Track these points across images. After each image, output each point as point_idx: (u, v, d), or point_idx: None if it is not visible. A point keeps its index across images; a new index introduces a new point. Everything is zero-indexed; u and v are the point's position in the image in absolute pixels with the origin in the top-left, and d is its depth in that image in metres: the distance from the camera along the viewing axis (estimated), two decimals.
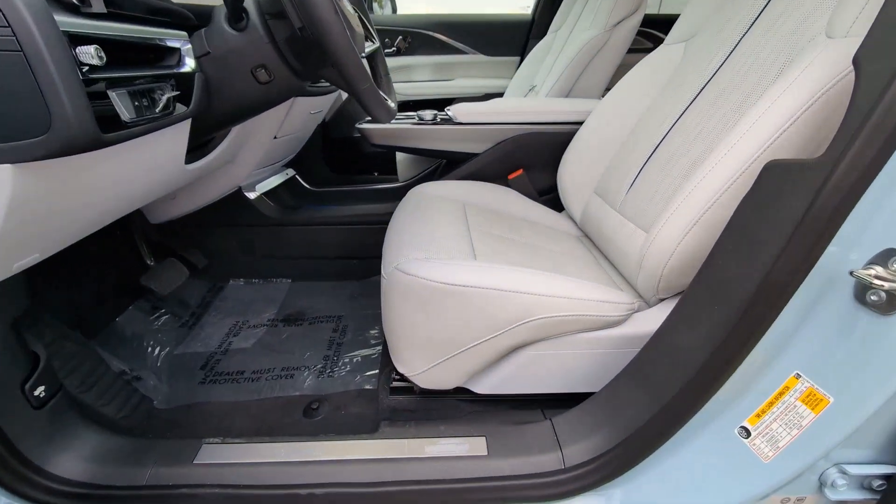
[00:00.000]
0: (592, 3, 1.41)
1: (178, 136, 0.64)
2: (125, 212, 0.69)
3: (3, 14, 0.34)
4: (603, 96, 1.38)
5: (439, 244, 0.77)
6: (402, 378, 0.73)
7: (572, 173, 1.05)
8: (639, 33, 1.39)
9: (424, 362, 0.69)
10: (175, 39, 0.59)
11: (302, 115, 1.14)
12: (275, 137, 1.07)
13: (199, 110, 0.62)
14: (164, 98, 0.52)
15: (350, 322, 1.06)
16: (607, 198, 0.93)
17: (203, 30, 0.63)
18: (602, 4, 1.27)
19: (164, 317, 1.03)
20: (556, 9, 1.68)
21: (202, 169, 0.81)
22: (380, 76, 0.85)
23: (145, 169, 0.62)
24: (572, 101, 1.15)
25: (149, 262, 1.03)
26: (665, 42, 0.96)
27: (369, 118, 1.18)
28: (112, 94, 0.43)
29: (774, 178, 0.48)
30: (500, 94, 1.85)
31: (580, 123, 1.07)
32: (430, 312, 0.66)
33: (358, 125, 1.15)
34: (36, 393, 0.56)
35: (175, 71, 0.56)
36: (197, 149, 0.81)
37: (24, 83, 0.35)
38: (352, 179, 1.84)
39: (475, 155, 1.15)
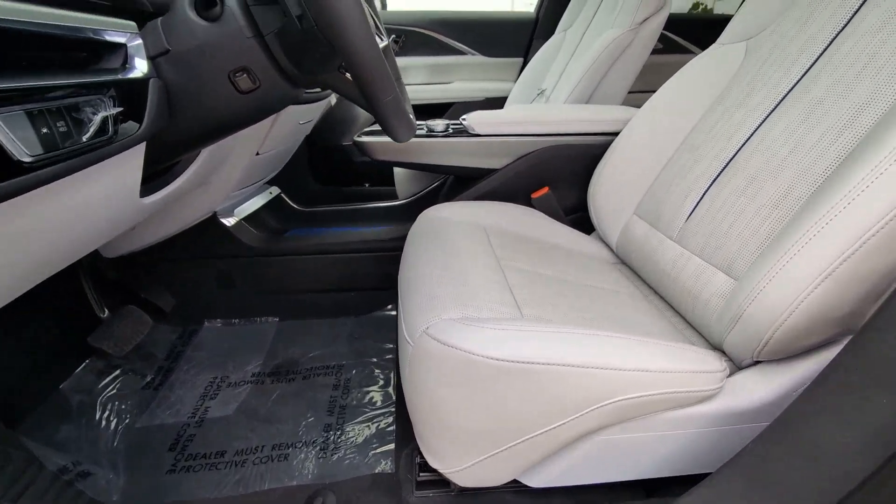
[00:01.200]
0: (609, 0, 1.28)
1: (127, 165, 0.46)
2: (60, 266, 0.51)
3: None
4: (623, 102, 1.26)
5: (474, 292, 0.61)
6: (432, 470, 0.57)
7: (607, 192, 0.91)
8: None
9: (464, 457, 0.53)
10: (118, 32, 0.41)
11: (290, 125, 0.96)
12: (257, 154, 0.89)
13: (155, 130, 0.45)
14: (98, 118, 0.35)
15: (353, 373, 0.89)
16: (658, 224, 0.79)
17: (160, 19, 0.45)
18: (625, 1, 1.13)
19: (123, 377, 0.84)
20: (564, 6, 1.55)
21: (165, 200, 0.63)
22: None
23: (82, 212, 0.44)
24: (604, 109, 1.01)
25: (100, 313, 0.83)
26: (720, 41, 0.83)
27: (368, 130, 1.01)
28: None
29: None
30: (503, 98, 1.71)
31: (614, 134, 0.93)
32: (475, 395, 0.50)
33: (356, 138, 0.98)
34: None
35: (117, 77, 0.39)
36: (158, 174, 0.63)
37: None
38: (342, 193, 1.67)
39: (493, 171, 1.00)
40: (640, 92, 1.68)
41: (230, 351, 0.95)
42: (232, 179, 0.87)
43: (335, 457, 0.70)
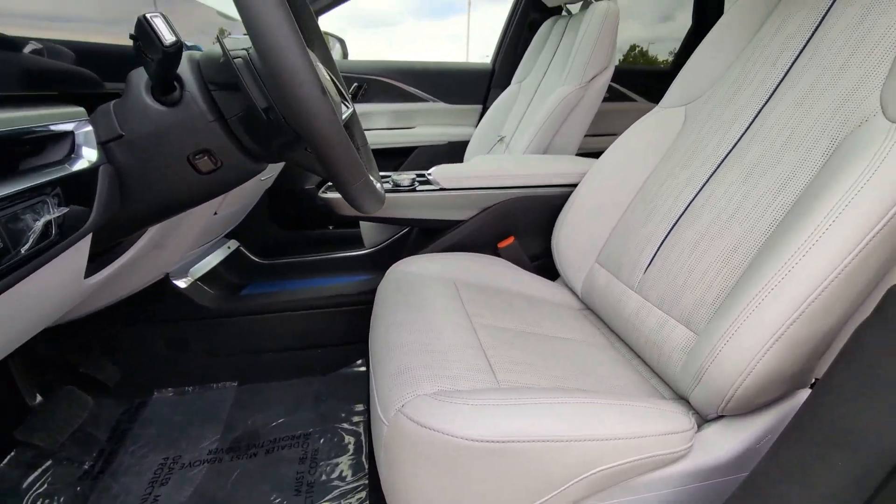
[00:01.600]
0: (560, 58, 1.37)
1: (72, 255, 0.43)
2: None
3: None
4: (580, 146, 1.34)
5: (448, 360, 0.60)
6: None
7: (570, 240, 0.95)
8: None
9: None
10: (64, 121, 0.39)
11: (250, 183, 0.93)
12: (215, 213, 0.86)
13: (105, 219, 0.42)
14: (39, 224, 0.32)
15: (321, 442, 0.84)
16: (620, 273, 0.83)
17: (112, 103, 0.43)
18: (575, 61, 1.22)
19: (56, 468, 0.74)
20: (518, 59, 1.65)
21: (112, 276, 0.58)
22: (357, 146, 0.69)
23: (16, 309, 0.40)
24: (563, 162, 1.07)
25: (31, 401, 0.74)
26: (661, 104, 0.90)
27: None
28: None
29: None
30: (465, 142, 1.77)
31: (573, 185, 0.98)
32: (456, 477, 0.48)
33: (321, 194, 0.97)
34: None
35: (61, 175, 0.36)
36: (105, 249, 0.58)
37: None
38: (306, 237, 1.62)
39: (459, 222, 1.01)
40: (594, 136, 1.80)
41: (183, 425, 0.87)
42: (187, 241, 0.83)
43: None
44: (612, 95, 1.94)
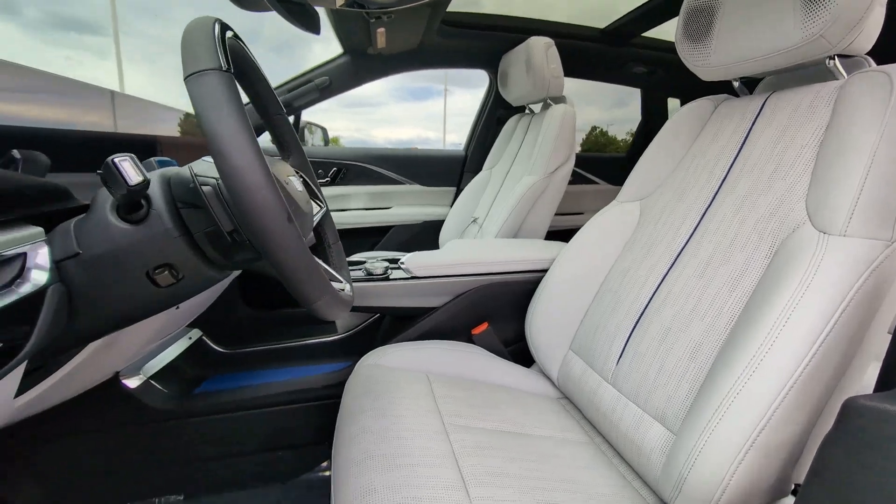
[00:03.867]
0: (526, 149, 1.49)
1: (2, 381, 0.39)
2: None
3: None
4: (546, 237, 1.40)
5: (416, 475, 0.56)
6: None
7: (542, 327, 0.95)
8: None
9: None
10: (17, 245, 0.38)
11: None
12: (177, 308, 0.82)
13: (45, 344, 0.39)
14: None
15: None
16: (594, 363, 0.82)
17: (73, 221, 0.43)
18: (538, 154, 1.33)
19: None
20: (488, 149, 1.78)
21: (47, 390, 0.53)
22: (328, 244, 0.70)
23: None
24: (535, 246, 1.10)
25: None
26: (619, 198, 0.97)
27: None
28: None
29: (865, 423, 0.39)
30: (440, 221, 1.83)
31: (544, 271, 1.01)
32: None
33: None
34: None
35: (3, 304, 0.34)
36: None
37: None
38: (276, 317, 1.56)
39: (433, 309, 1.00)
40: (564, 214, 1.90)
41: None
42: (143, 338, 0.78)
43: None
44: (576, 179, 2.10)
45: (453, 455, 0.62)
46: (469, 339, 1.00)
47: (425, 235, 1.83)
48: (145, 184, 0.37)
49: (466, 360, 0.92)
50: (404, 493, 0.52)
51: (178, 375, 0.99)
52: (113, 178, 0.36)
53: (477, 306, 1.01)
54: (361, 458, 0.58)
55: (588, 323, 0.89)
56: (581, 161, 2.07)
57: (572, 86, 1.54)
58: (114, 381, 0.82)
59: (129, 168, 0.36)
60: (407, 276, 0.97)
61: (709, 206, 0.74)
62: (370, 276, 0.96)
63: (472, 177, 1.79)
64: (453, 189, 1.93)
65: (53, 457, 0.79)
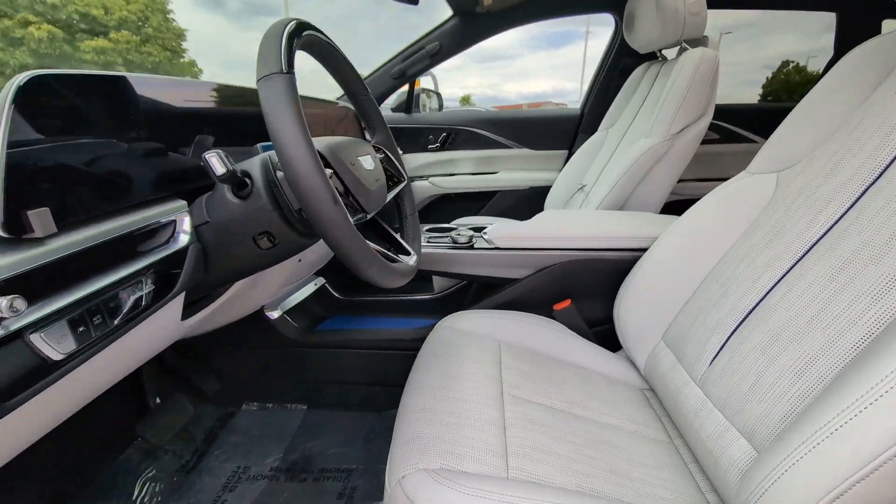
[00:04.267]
0: (650, 105, 1.29)
1: (168, 308, 0.56)
2: (121, 377, 0.61)
3: None
4: (673, 191, 1.22)
5: (462, 434, 0.61)
6: None
7: (633, 312, 0.87)
8: None
9: None
10: (171, 214, 0.53)
11: None
12: (299, 261, 1.01)
13: (190, 284, 0.55)
14: (131, 300, 0.44)
15: (360, 482, 0.89)
16: (683, 360, 0.74)
17: (205, 197, 0.57)
18: (661, 111, 1.14)
19: (164, 458, 0.93)
20: (607, 106, 1.59)
21: (201, 320, 0.73)
22: (405, 215, 0.76)
23: (130, 345, 0.54)
24: (636, 222, 0.99)
25: (152, 402, 0.96)
26: (749, 169, 0.79)
27: None
28: (34, 338, 0.34)
29: None
30: (547, 188, 1.75)
31: (641, 250, 0.91)
32: None
33: None
34: None
35: (159, 258, 0.49)
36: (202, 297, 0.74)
37: None
38: None
39: (515, 280, 1.01)
40: (693, 180, 1.62)
41: (258, 438, 1.02)
42: (275, 284, 0.98)
43: None
44: (727, 136, 1.74)
45: (503, 423, 0.65)
46: (550, 315, 0.98)
47: (530, 202, 1.78)
48: (229, 173, 0.47)
49: (542, 334, 0.91)
50: (445, 447, 0.58)
51: (306, 313, 1.22)
52: (207, 168, 0.46)
53: (559, 282, 0.97)
54: (418, 408, 0.66)
55: (686, 314, 0.79)
56: (736, 113, 1.69)
57: (745, 16, 1.23)
58: (260, 313, 1.07)
59: (215, 162, 0.47)
60: (489, 246, 0.99)
61: (870, 185, 0.56)
62: (455, 245, 1.01)
63: (587, 138, 1.64)
64: (565, 153, 1.80)
65: (224, 360, 1.09)
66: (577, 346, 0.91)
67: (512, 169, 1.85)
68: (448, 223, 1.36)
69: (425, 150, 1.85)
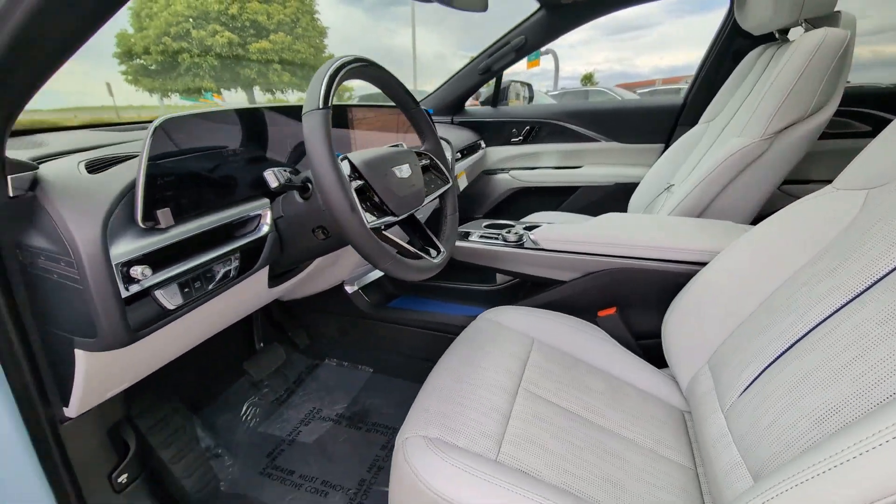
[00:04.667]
0: (755, 97, 1.13)
1: (256, 278, 0.75)
2: (219, 329, 0.84)
3: (75, 262, 0.46)
4: (754, 222, 1.07)
5: (465, 416, 0.68)
6: None
7: (681, 329, 0.83)
8: None
9: None
10: (258, 209, 0.70)
11: None
12: None
13: (269, 262, 0.72)
14: (221, 272, 0.62)
15: None
16: (718, 386, 0.69)
17: (281, 197, 0.73)
18: (760, 106, 0.99)
19: (265, 389, 1.21)
20: (714, 94, 1.41)
21: (286, 288, 0.93)
22: (445, 215, 0.85)
23: (229, 305, 0.75)
24: (695, 234, 0.91)
25: (257, 345, 1.24)
26: (835, 184, 0.68)
27: None
28: (157, 293, 0.53)
29: None
30: (634, 185, 1.64)
31: (699, 264, 0.84)
32: None
33: None
34: (119, 479, 0.71)
35: (245, 242, 0.66)
36: (288, 271, 0.94)
37: (82, 305, 0.47)
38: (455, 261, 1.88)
39: (561, 282, 1.02)
40: (803, 182, 1.34)
41: (332, 388, 1.24)
42: (352, 264, 1.17)
43: None
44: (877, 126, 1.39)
45: (508, 414, 0.71)
46: (594, 321, 0.98)
47: (614, 199, 1.69)
48: (281, 186, 0.62)
49: (580, 338, 0.92)
50: (446, 422, 0.67)
51: (381, 290, 1.40)
52: (266, 180, 0.62)
53: (606, 289, 0.95)
54: (435, 386, 0.76)
55: (735, 337, 0.73)
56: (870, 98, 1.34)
57: None
58: (340, 286, 1.27)
59: (270, 177, 0.61)
60: (536, 247, 1.01)
61: None
62: (504, 243, 1.05)
63: (687, 131, 1.48)
64: (660, 147, 1.65)
65: (313, 321, 1.34)
66: (616, 355, 0.90)
67: (597, 163, 1.77)
68: (524, 217, 1.39)
69: (508, 143, 1.87)
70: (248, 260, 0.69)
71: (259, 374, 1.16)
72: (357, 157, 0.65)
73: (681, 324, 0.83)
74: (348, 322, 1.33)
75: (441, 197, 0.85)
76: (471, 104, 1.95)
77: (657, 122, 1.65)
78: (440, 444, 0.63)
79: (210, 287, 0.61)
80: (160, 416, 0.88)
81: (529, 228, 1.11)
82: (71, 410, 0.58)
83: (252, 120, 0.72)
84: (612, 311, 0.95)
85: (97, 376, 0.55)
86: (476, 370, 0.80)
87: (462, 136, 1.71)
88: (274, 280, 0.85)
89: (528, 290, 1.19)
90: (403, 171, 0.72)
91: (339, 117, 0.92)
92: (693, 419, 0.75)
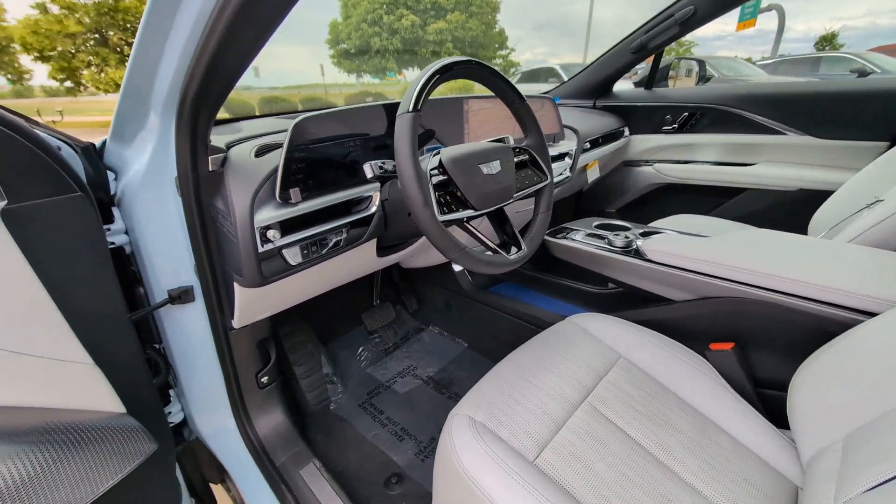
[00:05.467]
0: None
1: (365, 248, 0.90)
2: (336, 285, 1.03)
3: (233, 222, 0.65)
4: None
5: (514, 413, 0.70)
6: None
7: (819, 388, 0.66)
8: None
9: None
10: (370, 191, 0.83)
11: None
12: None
13: (376, 235, 0.86)
14: (332, 241, 0.78)
15: None
16: (843, 471, 0.55)
17: (389, 182, 0.85)
18: None
19: (376, 339, 1.43)
20: None
21: (394, 259, 1.08)
22: (537, 212, 0.84)
23: (343, 267, 0.92)
24: (866, 272, 0.69)
25: (374, 302, 1.45)
26: None
27: (554, 230, 1.14)
28: (284, 252, 0.70)
29: None
30: (828, 193, 1.26)
31: (863, 313, 0.65)
32: (446, 489, 0.64)
33: (545, 237, 1.14)
34: (262, 379, 0.98)
35: (356, 218, 0.80)
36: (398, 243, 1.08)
37: (237, 254, 0.66)
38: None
39: (668, 300, 0.90)
40: None
41: (428, 352, 1.39)
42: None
43: (425, 461, 0.98)
44: None
45: (561, 423, 0.70)
46: (702, 353, 0.84)
47: (792, 209, 1.34)
48: (376, 176, 0.71)
49: (678, 369, 0.81)
50: (499, 415, 0.70)
51: (485, 274, 1.46)
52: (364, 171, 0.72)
53: (725, 319, 0.81)
54: (498, 375, 0.79)
55: (886, 420, 0.55)
56: None
57: None
58: (448, 263, 1.38)
59: (367, 169, 0.71)
60: (641, 258, 0.91)
61: None
62: (608, 247, 0.98)
63: None
64: (879, 146, 1.22)
65: (423, 290, 1.49)
66: (721, 398, 0.76)
67: (777, 162, 1.41)
68: (662, 219, 1.25)
69: (659, 131, 1.64)
70: (358, 233, 0.83)
71: (373, 325, 1.37)
72: (447, 152, 0.71)
73: (820, 382, 0.66)
74: (453, 298, 1.44)
75: (536, 193, 0.84)
76: (619, 87, 1.76)
77: (884, 112, 1.22)
78: (483, 429, 0.67)
79: (324, 252, 0.76)
80: (298, 340, 1.15)
81: (647, 235, 1.00)
82: (235, 323, 0.83)
83: (371, 116, 0.83)
84: (728, 346, 0.81)
85: (246, 304, 0.77)
86: (541, 372, 0.80)
87: (601, 123, 1.58)
88: (383, 251, 0.99)
89: (636, 302, 1.08)
90: (492, 167, 0.74)
91: (454, 110, 0.97)
92: (802, 499, 0.61)
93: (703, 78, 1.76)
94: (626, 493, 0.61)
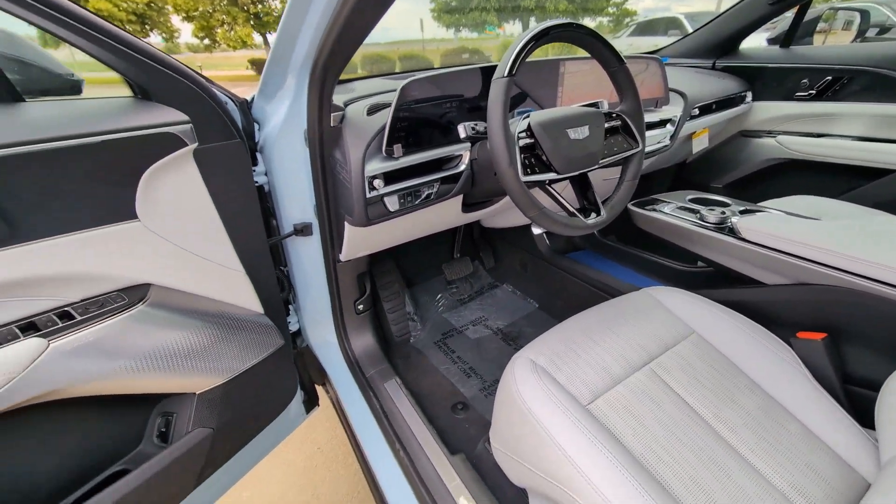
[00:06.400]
0: None
1: (452, 202, 0.99)
2: (425, 234, 1.15)
3: (349, 171, 0.77)
4: None
5: (576, 365, 0.76)
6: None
7: None
8: None
9: (510, 470, 0.78)
10: (461, 150, 0.91)
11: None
12: None
13: (463, 192, 0.94)
14: (424, 194, 0.88)
15: None
16: None
17: (479, 143, 0.91)
18: None
19: (454, 289, 1.56)
20: None
21: (478, 216, 1.16)
22: (623, 179, 0.84)
23: (430, 218, 1.03)
24: None
25: (455, 255, 1.56)
26: None
27: (639, 201, 1.10)
28: (385, 199, 0.82)
29: None
30: None
31: None
32: (507, 422, 0.74)
33: (629, 206, 1.11)
34: (358, 307, 1.16)
35: (446, 174, 0.89)
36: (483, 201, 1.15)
37: (349, 197, 0.80)
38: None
39: (758, 283, 0.86)
40: None
41: (501, 307, 1.48)
42: None
43: (487, 397, 1.11)
44: None
45: (619, 380, 0.74)
46: (787, 341, 0.80)
47: None
48: (468, 136, 0.78)
49: (759, 353, 0.78)
50: (558, 362, 0.76)
51: (566, 239, 1.48)
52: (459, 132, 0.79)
53: (818, 308, 0.76)
54: (563, 329, 0.85)
55: None
56: None
57: None
58: (528, 226, 1.43)
59: (461, 129, 0.78)
60: (734, 235, 0.87)
61: None
62: (699, 223, 0.94)
63: None
64: None
65: (501, 249, 1.56)
66: (802, 388, 0.73)
67: None
68: (778, 199, 1.14)
69: (791, 97, 1.43)
70: (447, 188, 0.92)
71: (451, 275, 1.50)
72: (536, 116, 0.74)
73: None
74: (529, 259, 1.49)
75: (623, 161, 0.84)
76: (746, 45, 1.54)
77: None
78: (542, 372, 0.75)
79: (416, 202, 0.87)
80: (388, 279, 1.32)
81: (747, 213, 0.94)
82: (342, 256, 0.99)
83: (469, 78, 0.89)
84: (818, 335, 0.76)
85: (353, 240, 0.92)
86: (606, 333, 0.83)
87: (718, 87, 1.42)
88: (468, 207, 1.08)
89: (720, 282, 1.03)
90: (580, 132, 0.76)
91: (551, 72, 0.98)
92: (870, 495, 0.59)
93: (864, 33, 1.45)
94: (674, 451, 0.65)
